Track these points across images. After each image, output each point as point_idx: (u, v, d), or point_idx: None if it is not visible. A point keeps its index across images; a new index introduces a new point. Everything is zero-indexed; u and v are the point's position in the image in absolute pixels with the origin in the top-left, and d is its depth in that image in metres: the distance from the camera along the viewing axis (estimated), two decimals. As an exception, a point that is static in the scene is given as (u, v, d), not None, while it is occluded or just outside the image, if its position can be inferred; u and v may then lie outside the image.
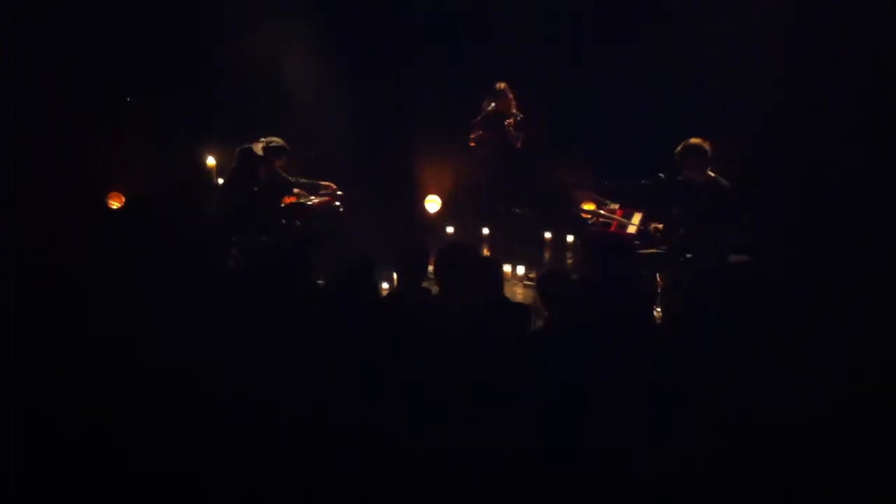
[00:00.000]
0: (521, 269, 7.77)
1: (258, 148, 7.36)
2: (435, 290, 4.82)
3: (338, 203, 7.74)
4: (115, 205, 8.46)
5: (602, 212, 7.18)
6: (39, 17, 8.01)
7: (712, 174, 6.68)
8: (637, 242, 6.85)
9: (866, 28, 7.58)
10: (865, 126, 7.56)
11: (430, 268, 4.93)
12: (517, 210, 8.33)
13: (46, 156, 7.96)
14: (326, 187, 7.70)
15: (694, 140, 6.68)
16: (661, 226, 6.92)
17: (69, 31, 8.37)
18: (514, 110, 8.17)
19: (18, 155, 7.19)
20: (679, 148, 6.69)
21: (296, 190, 7.67)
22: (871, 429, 3.59)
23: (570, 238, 7.79)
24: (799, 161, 7.82)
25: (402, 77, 9.16)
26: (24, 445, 3.64)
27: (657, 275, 6.40)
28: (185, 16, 8.78)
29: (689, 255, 6.52)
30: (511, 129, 8.07)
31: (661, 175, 6.96)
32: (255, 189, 7.28)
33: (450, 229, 8.29)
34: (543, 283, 4.60)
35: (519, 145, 8.13)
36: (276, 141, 7.43)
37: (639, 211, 7.16)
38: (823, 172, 7.66)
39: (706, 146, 6.65)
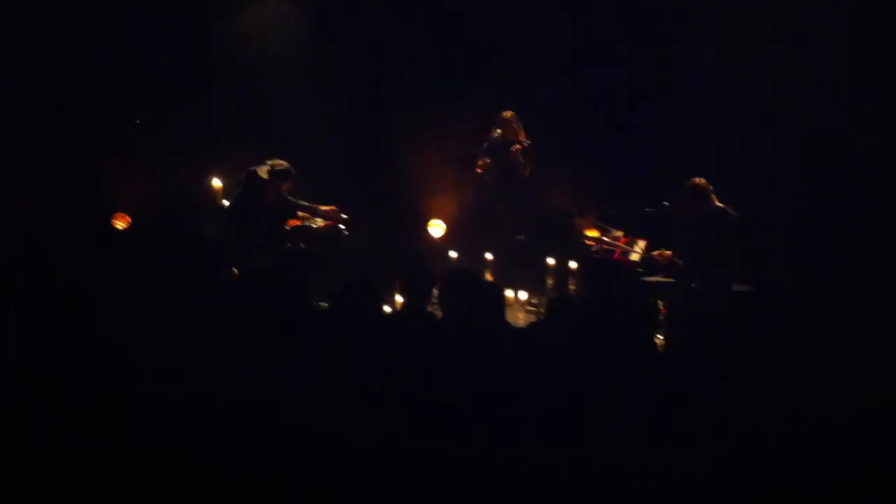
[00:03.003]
0: (523, 295, 7.77)
1: (263, 171, 7.40)
2: (439, 314, 4.83)
3: (342, 226, 7.77)
4: (120, 225, 8.50)
5: (606, 239, 7.20)
6: (44, 32, 8.09)
7: (720, 204, 6.71)
8: (640, 269, 6.87)
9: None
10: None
11: (435, 292, 4.94)
12: (520, 236, 8.35)
13: (48, 167, 8.01)
14: (330, 211, 7.72)
15: (699, 180, 6.74)
16: (669, 252, 6.94)
17: (79, 53, 8.44)
18: (522, 138, 8.21)
19: (21, 163, 7.25)
20: (687, 185, 6.74)
21: (301, 213, 7.70)
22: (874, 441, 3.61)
23: (573, 265, 7.79)
24: (805, 188, 7.86)
25: (409, 103, 9.21)
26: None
27: (660, 302, 6.42)
28: (194, 37, 8.85)
29: (693, 284, 6.53)
30: (518, 156, 8.10)
31: (666, 203, 7.00)
32: (260, 212, 7.32)
33: (453, 254, 8.31)
34: (552, 308, 4.62)
35: (528, 173, 8.16)
36: (282, 164, 7.46)
37: (643, 238, 7.18)
38: (829, 199, 7.69)
39: (707, 186, 6.71)
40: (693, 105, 8.32)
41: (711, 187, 6.75)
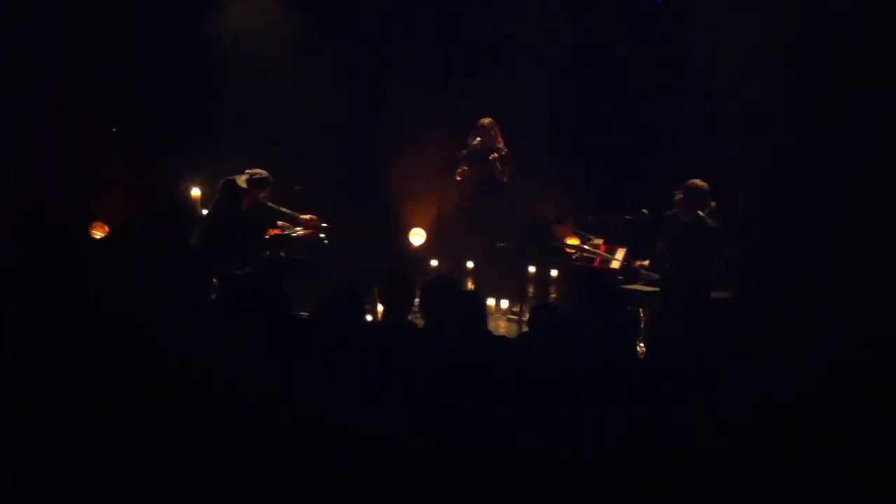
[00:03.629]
0: (504, 303, 7.79)
1: (241, 180, 7.37)
2: (419, 322, 4.83)
3: (322, 235, 7.75)
4: (98, 234, 8.44)
5: (586, 246, 7.22)
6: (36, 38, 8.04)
7: (701, 213, 6.75)
8: (620, 277, 6.89)
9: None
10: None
11: (416, 301, 4.94)
12: (501, 244, 8.36)
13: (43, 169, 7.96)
14: (309, 220, 7.70)
15: (696, 181, 6.76)
16: (645, 262, 6.97)
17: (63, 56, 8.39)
18: (500, 144, 8.22)
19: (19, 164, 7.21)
20: (682, 188, 6.75)
21: (280, 222, 7.68)
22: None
23: (553, 272, 7.82)
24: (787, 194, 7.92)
25: (389, 109, 9.22)
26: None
27: (640, 310, 6.45)
28: (176, 45, 8.80)
29: (672, 291, 6.56)
30: (497, 163, 8.12)
31: (645, 211, 7.03)
32: (238, 221, 7.29)
33: (434, 262, 8.31)
34: (534, 317, 4.63)
35: (506, 179, 8.18)
36: (260, 173, 7.44)
37: (622, 246, 7.21)
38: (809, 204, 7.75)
39: (706, 188, 6.73)
40: (681, 110, 8.35)
41: (708, 191, 6.74)
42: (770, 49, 7.89)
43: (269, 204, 7.66)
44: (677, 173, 7.08)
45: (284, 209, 7.70)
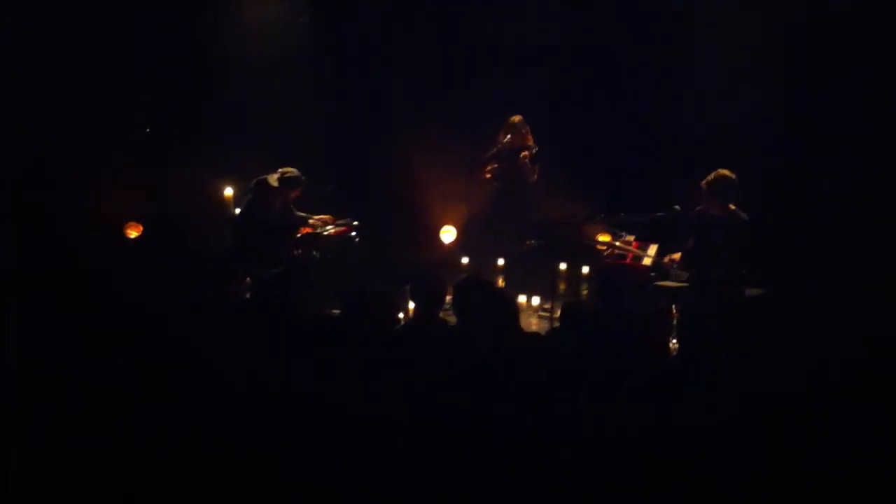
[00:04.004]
0: (535, 301, 7.78)
1: (273, 179, 7.42)
2: (451, 320, 4.84)
3: (354, 233, 7.78)
4: (132, 234, 8.54)
5: (618, 244, 7.18)
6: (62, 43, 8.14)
7: (731, 206, 6.66)
8: (653, 274, 6.85)
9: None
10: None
11: (447, 298, 4.95)
12: (531, 241, 8.34)
13: (50, 170, 8.06)
14: (329, 220, 7.72)
15: (724, 171, 6.65)
16: (676, 257, 6.93)
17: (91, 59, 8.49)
18: (530, 143, 8.21)
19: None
20: (709, 179, 6.65)
21: (311, 220, 7.71)
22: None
23: (585, 269, 7.79)
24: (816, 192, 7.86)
25: (421, 110, 9.24)
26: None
27: (672, 307, 6.40)
28: (208, 47, 8.88)
29: (705, 288, 6.51)
30: (526, 162, 8.10)
31: (677, 207, 6.98)
32: (269, 220, 7.33)
33: (465, 260, 8.31)
34: (565, 314, 4.63)
35: (535, 178, 8.16)
36: (291, 172, 7.47)
37: (654, 243, 7.16)
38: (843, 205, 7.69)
39: (734, 179, 6.62)
40: (704, 109, 8.32)
41: (736, 181, 6.66)
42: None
43: (298, 213, 7.70)
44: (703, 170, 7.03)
45: (312, 217, 7.72)
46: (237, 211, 7.83)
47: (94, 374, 3.96)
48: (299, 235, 7.50)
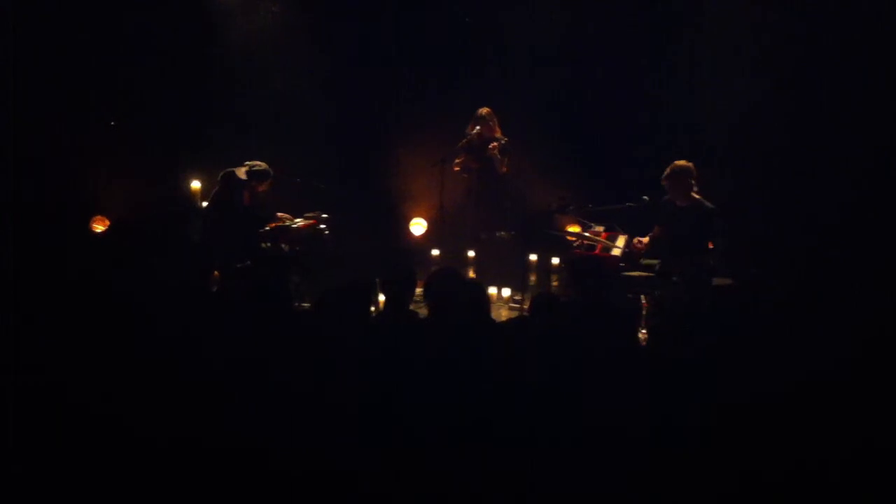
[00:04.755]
0: (506, 292, 7.80)
1: (241, 172, 7.37)
2: (422, 312, 4.84)
3: (323, 226, 7.75)
4: (98, 228, 8.45)
5: (587, 234, 7.22)
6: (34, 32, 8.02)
7: (696, 196, 6.75)
8: (622, 265, 6.90)
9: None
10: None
11: (418, 290, 4.95)
12: (501, 233, 8.37)
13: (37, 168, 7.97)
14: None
15: (680, 162, 6.76)
16: (645, 240, 6.99)
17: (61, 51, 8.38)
18: (498, 134, 8.22)
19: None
20: (667, 171, 6.75)
21: (280, 214, 7.67)
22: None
23: (555, 261, 7.83)
24: (785, 179, 7.94)
25: (388, 99, 9.23)
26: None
27: (642, 297, 6.45)
28: (174, 38, 8.79)
29: (673, 278, 6.57)
30: (495, 153, 8.11)
31: (646, 197, 7.04)
32: (238, 213, 7.29)
33: (435, 252, 8.32)
34: (536, 305, 4.64)
35: (504, 170, 8.18)
36: (260, 165, 7.43)
37: (623, 234, 7.22)
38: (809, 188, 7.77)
39: (692, 168, 6.73)
40: (680, 101, 8.39)
41: (694, 170, 6.73)
42: (771, 47, 7.93)
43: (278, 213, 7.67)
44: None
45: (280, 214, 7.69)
46: (204, 204, 7.77)
47: (75, 372, 3.93)
48: (268, 228, 7.45)
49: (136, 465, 3.54)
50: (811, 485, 3.51)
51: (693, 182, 6.74)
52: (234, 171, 7.35)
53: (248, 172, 7.36)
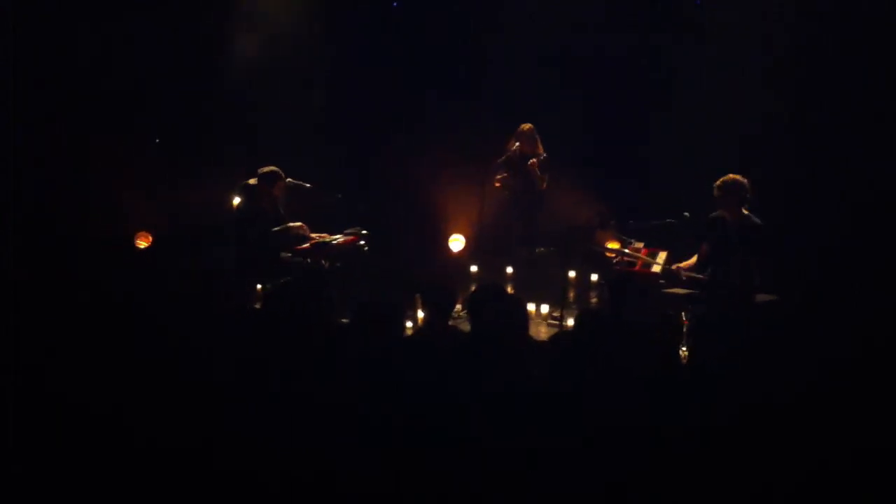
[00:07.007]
0: (545, 308, 7.77)
1: (253, 180, 7.47)
2: (464, 327, 4.83)
3: (363, 242, 7.77)
4: (142, 244, 8.56)
5: (627, 251, 7.16)
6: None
7: (745, 211, 6.62)
8: (662, 281, 6.83)
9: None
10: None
11: (458, 307, 4.95)
12: (540, 249, 8.34)
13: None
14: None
15: (733, 176, 6.60)
16: (684, 264, 6.90)
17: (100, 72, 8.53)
18: (539, 151, 8.21)
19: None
20: (718, 183, 6.61)
21: (314, 234, 7.68)
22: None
23: (594, 277, 7.79)
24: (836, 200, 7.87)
25: (427, 117, 9.27)
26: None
27: (682, 314, 6.38)
28: (217, 59, 8.92)
29: (715, 295, 6.48)
30: (535, 169, 8.11)
31: (686, 214, 6.97)
32: (269, 219, 7.36)
33: (474, 268, 8.32)
34: (581, 322, 4.61)
35: (544, 186, 8.16)
36: (267, 168, 7.48)
37: (664, 250, 7.14)
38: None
39: (745, 182, 6.57)
40: (710, 114, 8.35)
41: (748, 185, 6.62)
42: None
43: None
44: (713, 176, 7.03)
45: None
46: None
47: (101, 386, 3.96)
48: (308, 245, 7.47)
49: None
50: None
51: (746, 197, 6.58)
52: (247, 182, 7.47)
53: (258, 177, 7.41)
